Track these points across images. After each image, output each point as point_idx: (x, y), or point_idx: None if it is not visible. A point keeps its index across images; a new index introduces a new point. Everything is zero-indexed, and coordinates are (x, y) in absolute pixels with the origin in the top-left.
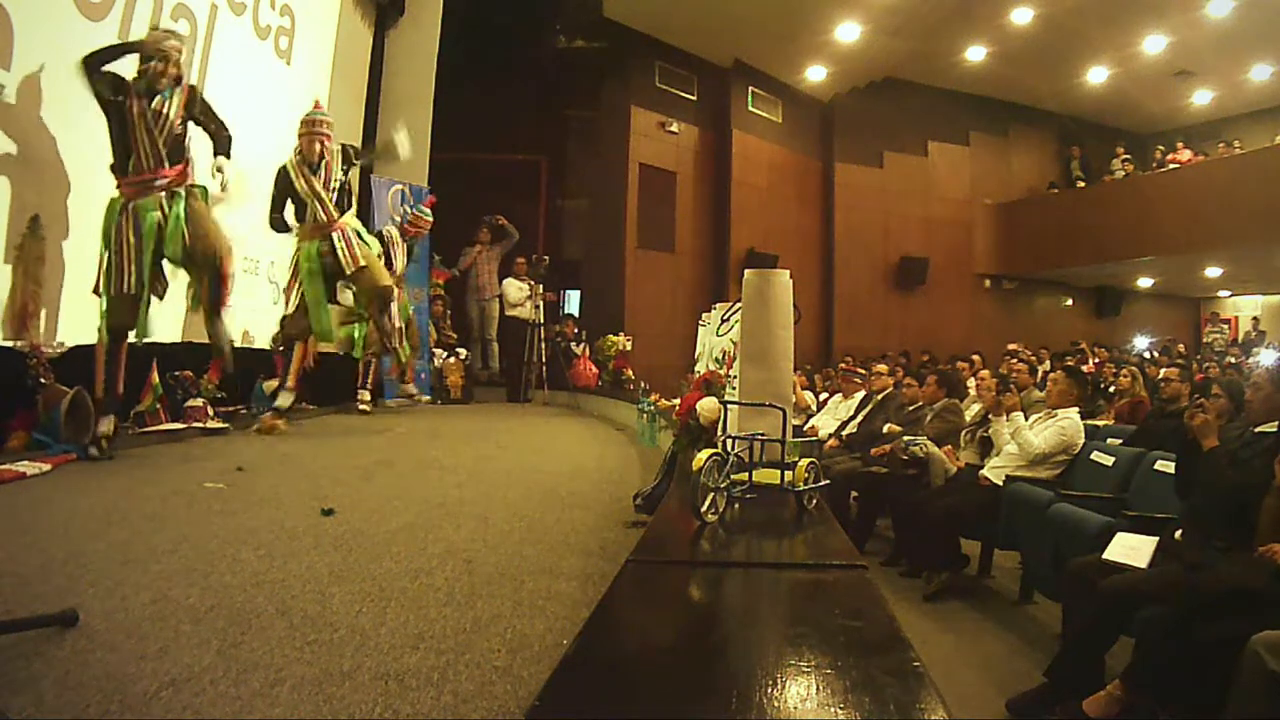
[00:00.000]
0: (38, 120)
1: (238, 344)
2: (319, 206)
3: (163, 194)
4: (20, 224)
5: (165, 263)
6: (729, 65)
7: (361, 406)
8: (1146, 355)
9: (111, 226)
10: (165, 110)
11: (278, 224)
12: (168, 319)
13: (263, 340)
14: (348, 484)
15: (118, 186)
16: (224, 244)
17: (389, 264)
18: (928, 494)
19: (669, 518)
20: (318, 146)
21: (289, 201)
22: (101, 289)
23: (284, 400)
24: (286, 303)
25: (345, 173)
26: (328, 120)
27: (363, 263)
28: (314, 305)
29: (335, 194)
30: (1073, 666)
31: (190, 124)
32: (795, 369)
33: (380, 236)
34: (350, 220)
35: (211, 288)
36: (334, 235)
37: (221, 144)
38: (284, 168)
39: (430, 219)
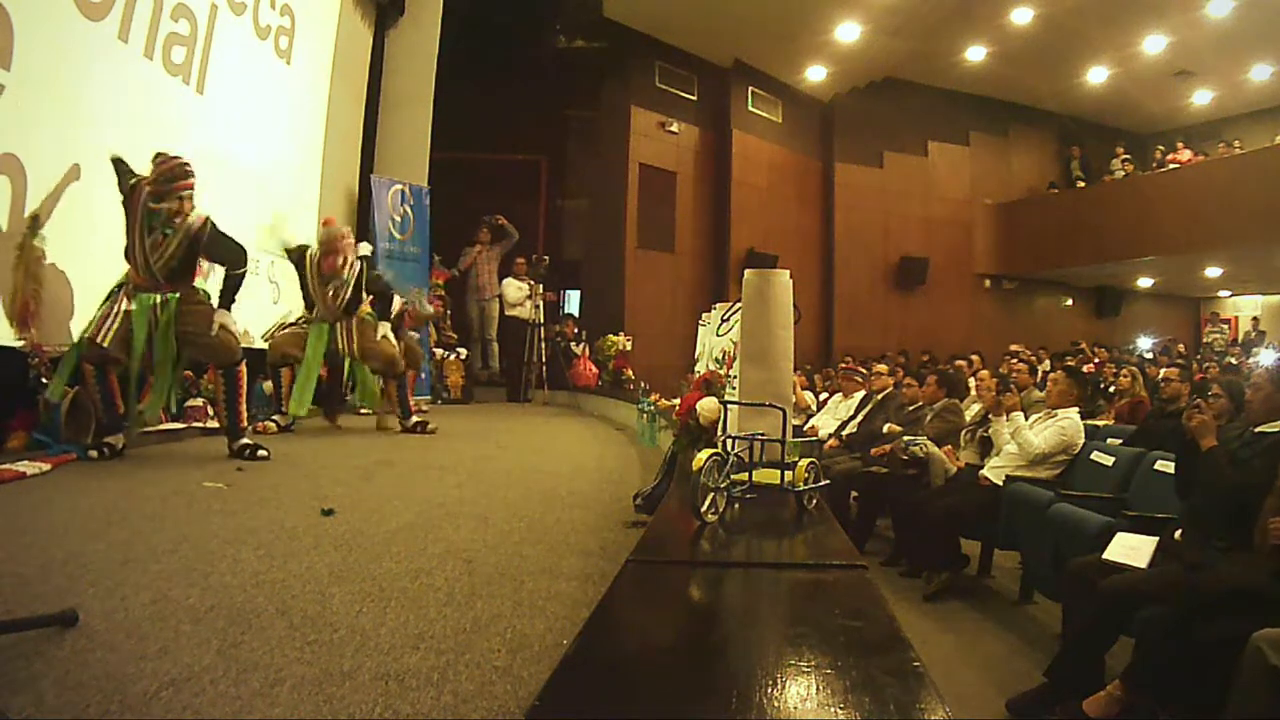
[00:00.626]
0: (38, 120)
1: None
2: (329, 308)
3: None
4: (20, 224)
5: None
6: (729, 65)
7: (363, 411)
8: (1147, 355)
9: (116, 289)
10: (165, 246)
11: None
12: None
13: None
14: (348, 484)
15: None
16: (234, 344)
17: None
18: (928, 494)
19: (669, 518)
20: (334, 262)
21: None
22: (82, 331)
23: (282, 420)
24: (277, 327)
25: (360, 271)
26: (342, 235)
27: (371, 347)
28: (304, 378)
29: (349, 291)
30: (1073, 666)
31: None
32: (795, 369)
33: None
34: (361, 310)
35: (229, 394)
36: (337, 325)
37: (227, 294)
38: (305, 253)
39: (430, 315)
